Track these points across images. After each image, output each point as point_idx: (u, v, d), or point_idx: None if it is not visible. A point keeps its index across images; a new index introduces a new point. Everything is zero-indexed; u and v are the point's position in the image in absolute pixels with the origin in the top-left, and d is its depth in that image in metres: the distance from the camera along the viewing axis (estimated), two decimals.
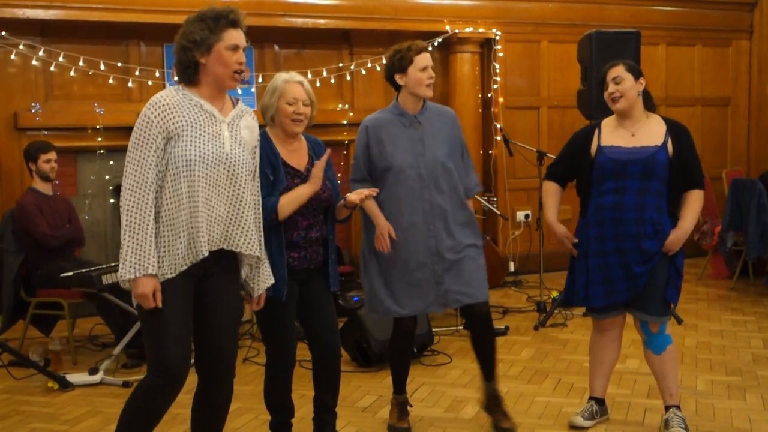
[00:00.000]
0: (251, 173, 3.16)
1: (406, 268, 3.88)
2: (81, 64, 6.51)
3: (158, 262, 2.94)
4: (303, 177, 3.55)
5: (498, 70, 7.92)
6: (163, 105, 2.97)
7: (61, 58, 6.45)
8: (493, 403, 4.09)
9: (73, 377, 4.93)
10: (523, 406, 4.42)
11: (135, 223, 2.90)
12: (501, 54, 7.93)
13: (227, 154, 3.04)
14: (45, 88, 6.69)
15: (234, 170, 3.05)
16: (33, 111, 6.57)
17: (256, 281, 3.25)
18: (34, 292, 5.50)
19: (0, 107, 6.55)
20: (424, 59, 3.88)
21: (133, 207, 2.91)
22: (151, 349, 3.02)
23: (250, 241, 3.11)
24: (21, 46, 6.39)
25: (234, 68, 3.03)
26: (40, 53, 6.46)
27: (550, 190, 4.10)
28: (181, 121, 2.97)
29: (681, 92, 8.83)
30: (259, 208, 3.23)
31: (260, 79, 7.20)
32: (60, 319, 5.71)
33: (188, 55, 3.01)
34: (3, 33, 6.33)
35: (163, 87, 6.72)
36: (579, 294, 3.98)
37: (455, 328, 5.91)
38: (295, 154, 3.59)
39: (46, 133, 6.47)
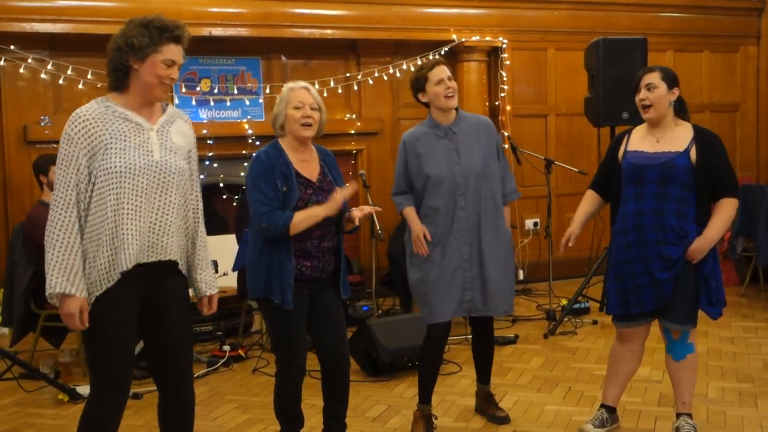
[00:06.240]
0: (186, 179, 3.08)
1: (440, 275, 3.98)
2: (89, 77, 6.54)
3: (86, 280, 2.88)
4: (315, 187, 3.57)
5: (505, 79, 7.92)
6: (85, 120, 2.89)
7: (69, 71, 6.48)
8: (487, 401, 4.38)
9: (83, 389, 4.91)
10: (533, 415, 4.40)
11: (59, 242, 2.84)
12: (508, 62, 7.93)
13: (157, 162, 2.96)
14: (54, 102, 6.74)
15: (165, 178, 2.98)
16: (42, 124, 6.61)
17: (200, 283, 3.19)
18: (44, 304, 5.51)
19: (10, 121, 6.59)
20: (437, 73, 4.04)
21: (57, 226, 2.85)
22: (95, 364, 2.99)
23: (170, 247, 3.01)
24: (30, 60, 6.43)
25: (165, 82, 2.97)
26: (49, 66, 6.50)
27: (585, 196, 4.12)
28: (104, 134, 2.89)
29: (689, 98, 8.62)
30: (194, 213, 3.15)
31: (267, 90, 7.22)
32: (70, 331, 5.72)
33: (122, 58, 2.95)
34: (12, 47, 6.37)
35: (171, 98, 6.75)
36: (610, 302, 3.97)
37: (464, 336, 5.90)
38: (307, 164, 3.61)
39: (55, 146, 6.35)
